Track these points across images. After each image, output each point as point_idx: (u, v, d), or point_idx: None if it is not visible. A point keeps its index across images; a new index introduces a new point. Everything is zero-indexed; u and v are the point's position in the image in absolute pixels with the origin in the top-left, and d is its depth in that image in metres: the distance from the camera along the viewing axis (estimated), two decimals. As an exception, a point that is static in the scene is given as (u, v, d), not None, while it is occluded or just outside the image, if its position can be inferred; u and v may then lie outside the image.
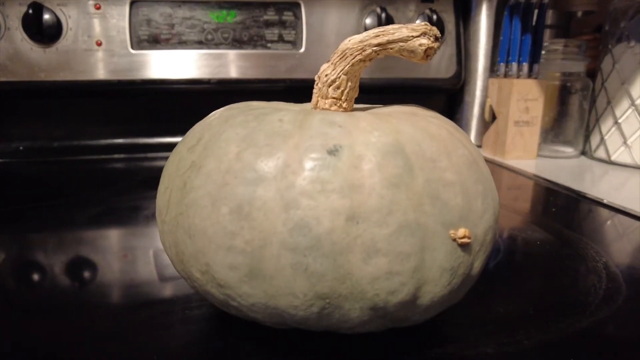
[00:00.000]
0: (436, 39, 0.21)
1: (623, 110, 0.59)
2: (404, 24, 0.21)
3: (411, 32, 0.21)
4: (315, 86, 0.23)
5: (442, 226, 0.17)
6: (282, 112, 0.20)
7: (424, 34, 0.21)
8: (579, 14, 0.70)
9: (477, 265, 0.19)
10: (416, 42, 0.21)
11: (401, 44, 0.21)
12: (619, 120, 0.60)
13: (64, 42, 0.63)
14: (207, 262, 0.18)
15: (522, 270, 0.30)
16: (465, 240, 0.18)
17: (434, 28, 0.21)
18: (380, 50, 0.22)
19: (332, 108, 0.23)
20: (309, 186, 0.17)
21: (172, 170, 0.21)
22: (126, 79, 0.65)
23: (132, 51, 0.65)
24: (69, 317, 0.24)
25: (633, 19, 0.58)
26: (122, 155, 0.70)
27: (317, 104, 0.23)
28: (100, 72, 0.65)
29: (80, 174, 0.58)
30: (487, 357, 0.21)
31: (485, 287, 0.27)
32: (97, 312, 0.24)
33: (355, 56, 0.22)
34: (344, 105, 0.23)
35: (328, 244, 0.16)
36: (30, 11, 0.59)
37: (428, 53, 0.21)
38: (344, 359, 0.20)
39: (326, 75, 0.23)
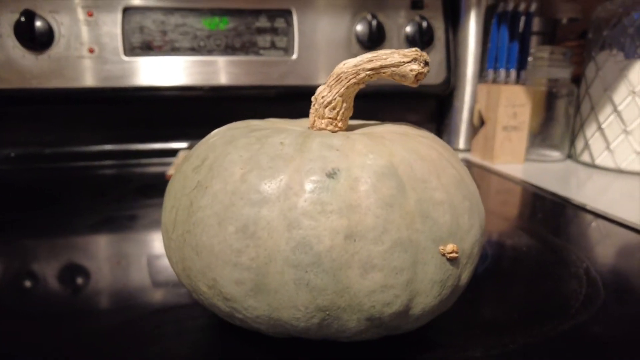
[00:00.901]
0: (426, 64, 0.23)
1: (606, 115, 0.62)
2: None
3: (403, 57, 0.22)
4: (312, 107, 0.24)
5: (432, 242, 0.19)
6: (283, 134, 0.21)
7: (414, 59, 0.22)
8: (564, 20, 0.72)
9: (465, 277, 0.21)
10: (407, 68, 0.22)
11: (393, 68, 0.23)
12: (602, 126, 0.62)
13: (56, 49, 0.63)
14: (214, 277, 0.19)
15: (508, 276, 0.31)
16: (453, 255, 0.19)
17: (424, 54, 0.22)
18: (373, 74, 0.23)
19: (329, 127, 0.24)
20: (310, 207, 0.18)
21: (178, 189, 0.22)
22: (118, 86, 0.65)
23: (125, 58, 0.65)
24: (64, 324, 0.25)
25: (615, 28, 0.60)
26: (114, 162, 0.70)
27: (314, 124, 0.24)
28: (93, 79, 0.66)
29: (72, 180, 0.59)
30: (475, 361, 0.22)
31: (473, 293, 0.28)
32: (93, 318, 0.25)
33: (350, 79, 0.23)
34: (339, 124, 0.24)
35: (328, 261, 0.18)
36: (23, 18, 0.59)
37: (418, 78, 0.23)
38: (341, 365, 0.22)
39: (322, 97, 0.24)
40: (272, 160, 0.19)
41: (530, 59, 0.66)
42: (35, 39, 0.61)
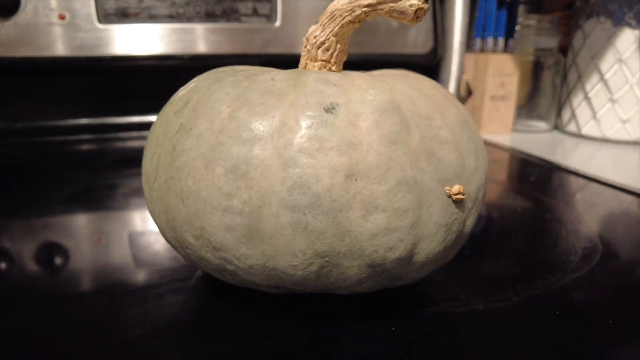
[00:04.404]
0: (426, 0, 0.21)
1: (593, 84, 0.61)
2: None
3: (402, -9, 0.20)
4: (303, 48, 0.23)
5: (437, 182, 0.17)
6: (273, 72, 0.19)
7: (415, -7, 0.20)
8: (551, -10, 0.71)
9: (469, 223, 0.20)
10: (406, 3, 0.21)
11: (391, 4, 0.21)
12: (589, 95, 0.62)
13: (23, 15, 0.59)
14: (202, 225, 0.17)
15: (506, 234, 0.30)
16: (460, 196, 0.18)
17: (425, -13, 0.21)
18: (369, 11, 0.21)
19: (322, 71, 0.22)
20: (307, 144, 0.16)
21: (159, 134, 0.20)
22: (92, 55, 0.62)
23: (99, 25, 0.62)
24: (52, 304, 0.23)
25: (602, -5, 0.59)
26: (90, 136, 0.67)
27: (305, 67, 0.22)
28: (64, 48, 0.62)
29: (47, 155, 0.56)
30: (479, 313, 0.21)
31: (473, 250, 0.27)
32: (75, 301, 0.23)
33: (345, 17, 0.22)
34: (333, 68, 0.22)
35: (327, 202, 0.16)
36: (-15, -20, 0.55)
37: (418, 14, 0.21)
38: (339, 321, 0.20)
39: (315, 37, 0.22)
40: (263, 96, 0.17)
41: (517, 27, 0.65)
42: (0, 3, 0.57)
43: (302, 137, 0.16)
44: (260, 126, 0.17)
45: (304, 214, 0.16)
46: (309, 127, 0.16)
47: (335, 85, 0.18)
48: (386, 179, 0.16)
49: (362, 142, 0.17)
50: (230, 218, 0.17)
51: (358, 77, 0.19)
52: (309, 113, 0.17)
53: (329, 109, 0.17)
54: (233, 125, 0.17)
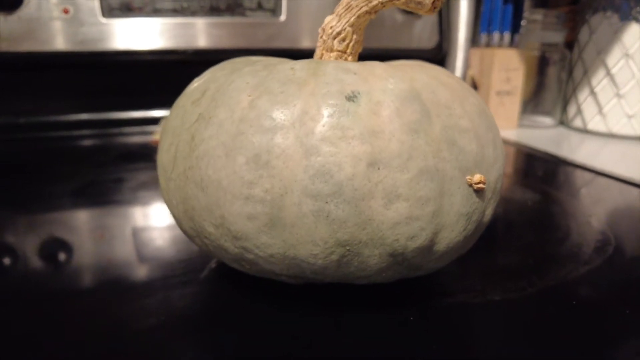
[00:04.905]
0: (444, -12, 0.21)
1: (599, 79, 0.61)
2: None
3: (420, -20, 0.20)
4: (319, 39, 0.22)
5: (459, 171, 0.17)
6: (291, 62, 0.19)
7: (433, -18, 0.20)
8: (557, -16, 0.71)
9: (488, 213, 0.20)
10: (424, -8, 0.21)
11: (409, -6, 0.21)
12: (595, 90, 0.62)
13: (26, 10, 0.59)
14: (222, 214, 0.17)
15: (518, 227, 0.30)
16: (481, 185, 0.18)
17: (443, -23, 0.21)
18: (386, 1, 0.21)
19: (339, 61, 0.22)
20: (329, 132, 0.16)
21: (177, 125, 0.20)
22: (96, 49, 0.62)
23: (102, 20, 0.61)
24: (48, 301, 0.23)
25: (609, -11, 0.59)
26: (93, 131, 0.67)
27: (321, 57, 0.22)
28: (67, 43, 0.62)
29: (50, 150, 0.55)
30: (495, 303, 0.21)
31: (487, 242, 0.27)
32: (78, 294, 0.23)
33: (361, 7, 0.21)
34: (349, 59, 0.22)
35: (350, 190, 0.16)
36: (-11, -26, 0.55)
37: (435, 5, 0.21)
38: (357, 310, 0.20)
39: (331, 27, 0.22)
40: (284, 85, 0.17)
41: (523, 22, 0.65)
42: (3, -3, 0.57)
43: (324, 126, 0.16)
44: (282, 115, 0.17)
45: (326, 202, 0.16)
46: (331, 116, 0.16)
47: (355, 74, 0.18)
48: (408, 167, 0.16)
49: (384, 131, 0.17)
50: (251, 207, 0.17)
51: (377, 67, 0.19)
52: (330, 101, 0.17)
53: (351, 98, 0.17)
54: (254, 114, 0.17)
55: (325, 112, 0.16)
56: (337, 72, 0.18)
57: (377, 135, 0.16)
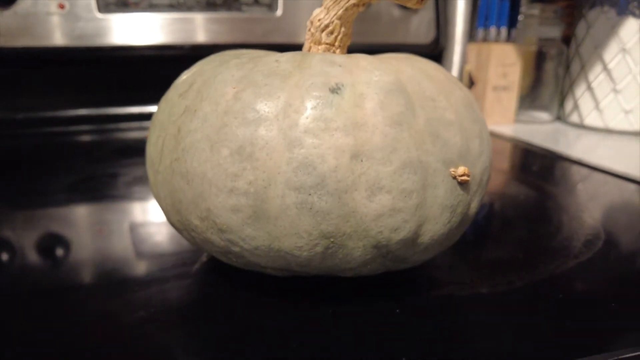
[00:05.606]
0: (432, -20, 0.21)
1: (596, 74, 0.61)
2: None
3: (407, -27, 0.20)
4: (307, 31, 0.22)
5: (442, 164, 0.17)
6: (277, 55, 0.19)
7: (420, -26, 0.20)
8: (554, -21, 0.70)
9: (474, 206, 0.20)
10: (412, -16, 0.21)
11: (396, -14, 0.21)
12: (592, 85, 0.62)
13: (22, 5, 0.59)
14: (208, 207, 0.17)
15: (509, 221, 0.31)
16: (465, 178, 0.18)
17: (430, -31, 0.21)
18: (374, -7, 0.21)
19: (326, 53, 0.22)
20: (312, 124, 0.16)
21: (164, 117, 0.20)
22: (92, 45, 0.62)
23: (99, 15, 0.61)
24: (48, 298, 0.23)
25: (606, -16, 0.59)
26: (90, 127, 0.67)
27: (309, 50, 0.22)
28: (64, 38, 0.61)
29: (48, 146, 0.55)
30: (482, 297, 0.21)
31: (477, 236, 0.27)
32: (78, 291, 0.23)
33: (349, 0, 0.21)
34: (337, 51, 0.22)
35: (333, 182, 0.16)
36: (-16, -31, 0.55)
37: (422, -3, 0.21)
38: (344, 304, 0.20)
39: (319, 20, 0.22)
40: (268, 77, 0.17)
41: (520, 17, 0.65)
42: (-1, -8, 0.56)
43: (307, 118, 0.16)
44: (266, 107, 0.17)
45: (310, 194, 0.16)
46: (314, 108, 0.16)
47: (340, 66, 0.18)
48: (391, 160, 0.16)
49: (368, 123, 0.17)
50: (235, 199, 0.17)
51: (363, 59, 0.19)
52: (314, 94, 0.17)
53: (335, 90, 0.17)
54: (238, 106, 0.17)
55: (309, 104, 0.16)
56: (322, 64, 0.18)
57: (360, 128, 0.16)
